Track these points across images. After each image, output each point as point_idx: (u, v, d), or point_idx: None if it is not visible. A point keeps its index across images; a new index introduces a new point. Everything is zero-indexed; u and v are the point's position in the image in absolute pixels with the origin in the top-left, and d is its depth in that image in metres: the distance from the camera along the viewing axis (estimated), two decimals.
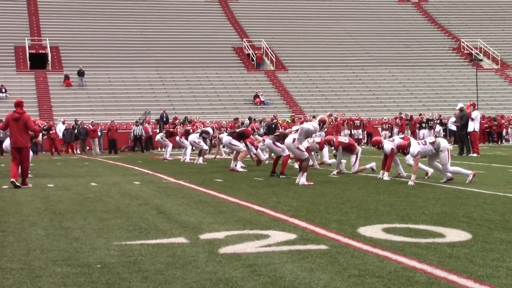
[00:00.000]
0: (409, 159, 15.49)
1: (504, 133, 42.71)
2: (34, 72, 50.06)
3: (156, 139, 30.79)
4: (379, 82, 53.02)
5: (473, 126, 26.73)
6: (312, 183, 14.52)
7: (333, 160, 18.33)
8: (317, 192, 12.95)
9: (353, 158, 17.58)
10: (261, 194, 12.69)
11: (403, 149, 15.10)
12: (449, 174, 14.56)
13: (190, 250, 7.23)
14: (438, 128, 40.78)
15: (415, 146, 14.62)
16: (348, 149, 17.66)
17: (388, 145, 15.70)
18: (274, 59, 55.11)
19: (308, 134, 15.84)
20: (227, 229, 8.54)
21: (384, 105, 49.21)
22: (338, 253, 6.92)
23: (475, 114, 26.99)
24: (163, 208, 10.83)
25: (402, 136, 16.59)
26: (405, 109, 47.23)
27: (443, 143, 14.63)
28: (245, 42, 57.13)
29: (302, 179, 14.68)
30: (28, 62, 51.32)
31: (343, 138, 18.30)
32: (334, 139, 18.13)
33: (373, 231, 8.20)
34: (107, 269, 6.41)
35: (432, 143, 14.52)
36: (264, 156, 22.40)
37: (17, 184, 15.09)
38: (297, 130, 15.93)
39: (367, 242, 7.46)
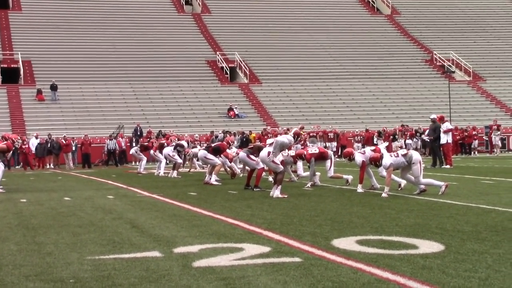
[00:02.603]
0: (382, 171, 15.58)
1: (476, 144, 43.11)
2: (6, 87, 49.65)
3: (131, 152, 30.69)
4: (352, 95, 53.29)
5: (446, 138, 26.94)
6: (286, 196, 14.54)
7: (307, 173, 18.40)
8: (291, 204, 12.98)
9: (327, 163, 17.67)
10: (235, 207, 12.69)
11: (376, 161, 15.19)
12: (422, 186, 14.66)
13: (164, 264, 7.21)
14: (414, 140, 41.01)
15: (387, 158, 14.71)
16: (321, 157, 17.74)
17: (358, 157, 15.79)
18: (248, 72, 55.21)
19: (283, 147, 15.89)
20: (201, 242, 8.52)
21: (357, 117, 49.44)
22: (312, 265, 6.93)
23: (445, 126, 27.21)
24: (137, 222, 10.79)
25: (373, 148, 16.66)
26: (379, 121, 47.55)
27: (415, 155, 14.73)
28: (218, 55, 57.19)
29: (276, 192, 14.70)
30: (0, 77, 50.91)
31: (313, 149, 18.36)
32: (305, 152, 18.19)
33: (347, 243, 8.23)
34: (80, 284, 6.37)
35: (404, 155, 14.61)
36: (237, 169, 22.42)
37: None
38: (271, 143, 15.96)
39: (340, 254, 7.49)
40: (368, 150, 16.39)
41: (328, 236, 8.81)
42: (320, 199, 14.09)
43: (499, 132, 41.72)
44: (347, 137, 42.52)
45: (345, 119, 49.09)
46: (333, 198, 14.24)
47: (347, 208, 12.18)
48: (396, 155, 14.77)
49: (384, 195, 14.06)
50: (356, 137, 42.17)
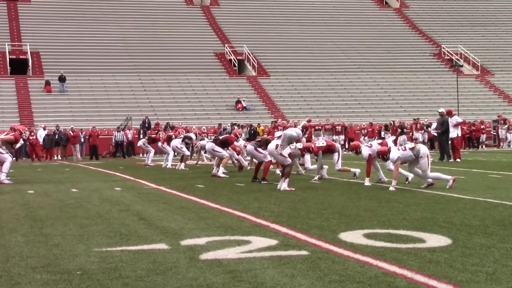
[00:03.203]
0: (389, 164, 15.56)
1: (484, 138, 42.98)
2: (15, 78, 49.75)
3: (138, 145, 30.68)
4: (360, 88, 53.21)
5: (456, 131, 26.90)
6: (293, 189, 14.53)
7: (315, 166, 18.38)
8: (299, 198, 12.97)
9: (335, 156, 17.68)
10: (242, 200, 12.69)
11: (383, 155, 15.16)
12: (430, 180, 14.62)
13: (171, 256, 7.21)
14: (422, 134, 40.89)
15: (395, 152, 14.68)
16: (329, 150, 17.73)
17: (365, 151, 15.77)
18: (256, 65, 55.15)
19: (291, 140, 15.88)
20: (208, 235, 8.52)
21: (365, 110, 49.35)
22: (319, 258, 6.92)
23: (455, 120, 27.16)
24: (144, 214, 10.79)
25: (379, 141, 16.64)
26: (386, 114, 47.43)
27: (423, 149, 14.69)
28: (227, 48, 57.14)
29: (283, 185, 14.69)
30: (9, 68, 51.00)
31: (321, 142, 18.33)
32: (313, 145, 18.17)
33: (354, 236, 8.22)
34: (87, 276, 6.37)
35: (412, 149, 14.58)
36: (244, 162, 22.41)
37: None
38: (279, 136, 15.94)
39: (348, 248, 7.48)
40: (375, 143, 16.37)
41: (335, 229, 8.80)
42: (328, 192, 14.08)
43: (506, 126, 41.59)
44: (354, 130, 42.48)
45: (353, 112, 49.00)
46: (341, 191, 14.23)
47: (355, 201, 12.17)
48: (403, 148, 14.74)
49: (391, 188, 14.04)
50: (363, 130, 42.11)
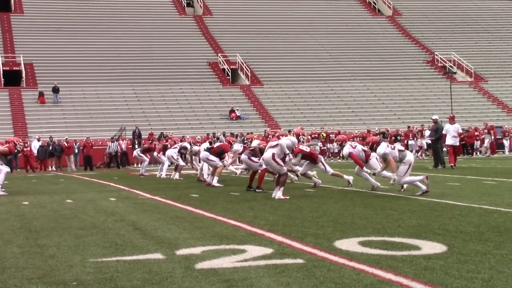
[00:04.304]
0: (376, 166, 15.72)
1: (478, 145, 43.02)
2: (8, 89, 49.74)
3: (134, 155, 30.64)
4: (354, 96, 53.35)
5: (457, 140, 27.15)
6: (288, 197, 14.53)
7: (297, 168, 18.38)
8: (293, 206, 12.97)
9: (321, 166, 17.65)
10: (237, 209, 12.69)
11: (373, 144, 15.35)
12: (424, 188, 14.63)
13: (166, 266, 7.21)
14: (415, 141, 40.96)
15: (383, 147, 14.79)
16: (310, 158, 17.66)
17: (346, 149, 16.03)
18: (249, 74, 55.22)
19: (288, 149, 15.94)
20: (203, 244, 8.52)
21: (359, 118, 49.45)
22: (314, 267, 6.93)
23: (457, 129, 27.24)
24: (139, 224, 10.78)
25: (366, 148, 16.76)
26: (380, 122, 47.52)
27: (409, 156, 14.82)
28: (220, 57, 57.22)
29: (278, 193, 14.70)
30: (2, 79, 50.99)
31: (304, 147, 18.28)
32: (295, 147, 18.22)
33: (349, 244, 8.22)
34: (83, 286, 6.37)
35: (400, 151, 14.69)
36: (234, 170, 22.36)
37: None
38: (275, 145, 15.91)
39: (343, 256, 7.48)
40: (360, 147, 16.47)
41: (330, 237, 8.80)
42: (322, 200, 14.08)
43: (490, 136, 41.53)
44: (348, 138, 42.46)
45: (347, 120, 49.09)
46: (335, 199, 14.23)
47: (349, 209, 12.17)
48: (392, 147, 14.83)
49: (392, 182, 14.25)
50: (355, 138, 42.12)
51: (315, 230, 9.49)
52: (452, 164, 26.11)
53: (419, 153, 39.31)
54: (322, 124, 45.93)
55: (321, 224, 10.12)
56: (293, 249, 8.00)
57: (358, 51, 60.89)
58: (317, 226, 9.97)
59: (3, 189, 18.57)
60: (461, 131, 28.72)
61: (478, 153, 42.49)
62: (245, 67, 55.78)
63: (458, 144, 27.34)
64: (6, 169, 18.78)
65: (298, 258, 7.43)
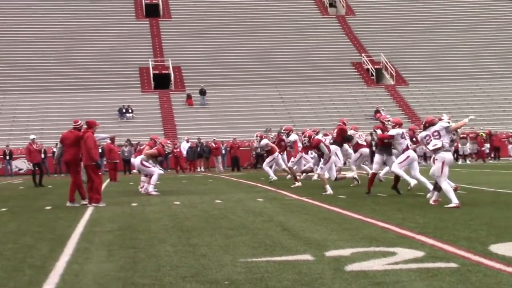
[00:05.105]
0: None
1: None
2: (158, 92, 51.57)
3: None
4: (504, 95, 51.49)
5: None
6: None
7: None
8: (444, 208, 12.61)
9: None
10: (385, 211, 12.51)
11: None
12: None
13: (316, 267, 7.20)
14: None
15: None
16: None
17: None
18: (394, 73, 54.43)
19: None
20: (352, 246, 8.45)
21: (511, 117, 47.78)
22: (469, 271, 6.70)
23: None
24: (287, 225, 10.84)
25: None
26: None
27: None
28: (364, 57, 56.76)
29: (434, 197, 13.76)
30: (152, 83, 52.91)
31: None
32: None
33: (506, 249, 7.89)
34: (235, 286, 6.47)
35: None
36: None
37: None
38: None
39: (499, 260, 7.20)
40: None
41: (484, 241, 8.50)
42: (474, 202, 13.64)
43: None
44: (500, 138, 41.21)
45: (497, 119, 47.43)
46: (488, 202, 13.75)
47: (504, 212, 11.72)
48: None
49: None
50: (510, 138, 40.85)
51: (468, 234, 9.19)
52: None
53: None
54: (471, 124, 44.53)
55: (473, 227, 9.80)
56: (446, 253, 7.79)
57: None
58: (469, 229, 9.66)
59: (156, 189, 19.24)
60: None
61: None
62: (390, 66, 55.03)
63: None
64: (159, 171, 19.54)
65: (451, 262, 7.22)
